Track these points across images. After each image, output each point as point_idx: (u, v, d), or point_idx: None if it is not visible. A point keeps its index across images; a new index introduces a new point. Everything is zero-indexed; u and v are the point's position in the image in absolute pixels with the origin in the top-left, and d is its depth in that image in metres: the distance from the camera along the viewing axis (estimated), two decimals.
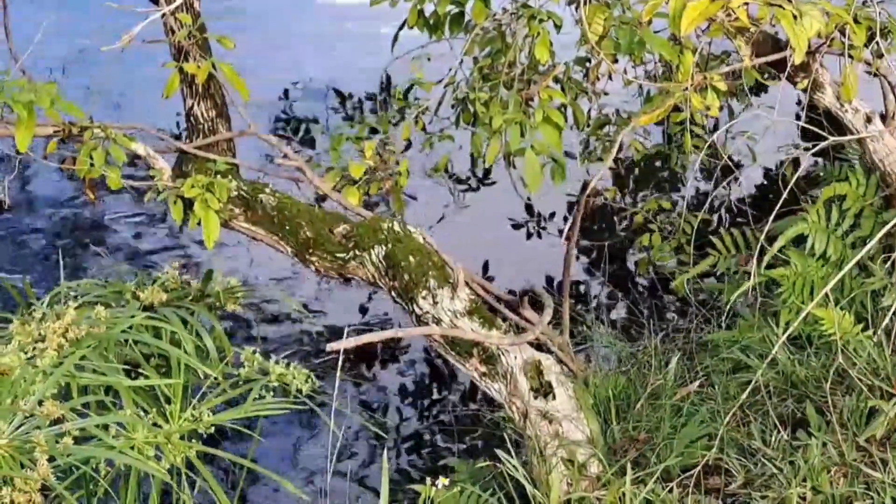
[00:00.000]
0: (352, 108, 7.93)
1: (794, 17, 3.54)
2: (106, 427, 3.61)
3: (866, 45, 4.49)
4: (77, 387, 3.84)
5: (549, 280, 5.86)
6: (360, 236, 4.48)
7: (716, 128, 6.11)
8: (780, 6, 3.52)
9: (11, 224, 6.66)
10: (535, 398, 4.21)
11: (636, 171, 6.91)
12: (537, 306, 4.71)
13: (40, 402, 3.43)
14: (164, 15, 4.45)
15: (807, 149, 4.44)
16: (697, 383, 4.48)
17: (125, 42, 3.99)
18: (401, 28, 5.97)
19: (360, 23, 8.91)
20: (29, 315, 4.26)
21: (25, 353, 3.77)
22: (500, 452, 4.09)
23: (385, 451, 4.09)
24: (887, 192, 4.84)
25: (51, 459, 3.27)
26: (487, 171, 7.04)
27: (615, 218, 6.34)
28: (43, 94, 4.19)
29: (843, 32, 4.39)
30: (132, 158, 4.64)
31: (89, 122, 4.46)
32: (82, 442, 3.49)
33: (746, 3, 3.57)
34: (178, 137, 5.74)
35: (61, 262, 5.05)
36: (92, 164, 4.40)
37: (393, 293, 4.43)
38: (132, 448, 3.63)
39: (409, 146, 6.42)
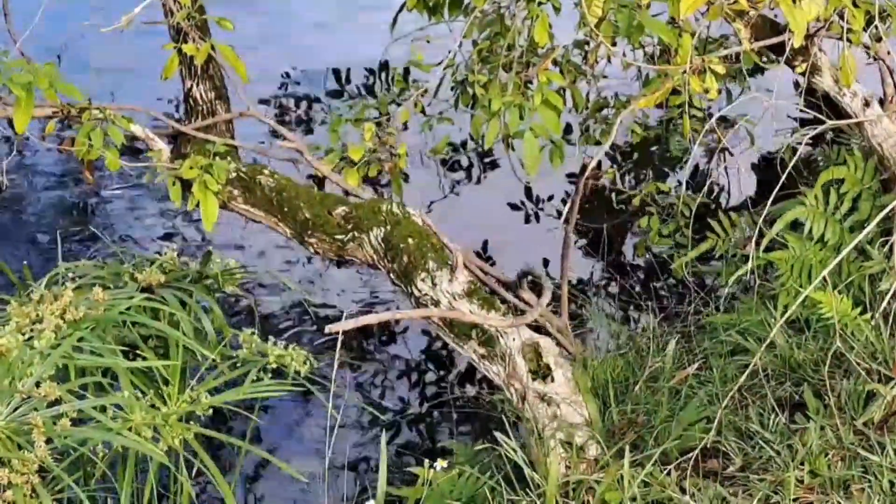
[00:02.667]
0: (351, 90, 7.91)
1: (793, 0, 3.53)
2: (104, 409, 3.61)
3: (865, 29, 4.48)
4: (75, 368, 3.85)
5: (548, 262, 5.86)
6: (359, 218, 4.48)
7: (712, 111, 6.11)
8: None
9: (9, 205, 6.65)
10: (534, 380, 4.21)
11: (635, 153, 6.90)
12: (536, 289, 4.71)
13: (38, 384, 3.43)
14: None
15: (808, 132, 4.43)
16: (696, 366, 4.49)
17: (125, 23, 3.99)
18: (400, 10, 5.96)
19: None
20: (27, 296, 4.26)
21: (23, 334, 3.77)
22: (498, 435, 4.09)
23: (383, 433, 4.10)
24: (885, 176, 4.84)
25: (48, 441, 3.28)
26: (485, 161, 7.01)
27: (614, 201, 6.33)
28: (42, 75, 4.19)
29: (841, 16, 4.38)
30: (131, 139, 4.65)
31: (88, 104, 4.45)
32: (80, 423, 3.50)
33: None
34: (174, 118, 5.74)
35: (59, 244, 5.05)
36: (90, 146, 4.40)
37: (392, 275, 4.43)
38: (130, 430, 3.63)
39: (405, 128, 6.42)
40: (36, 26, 4.57)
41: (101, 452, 3.67)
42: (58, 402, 3.40)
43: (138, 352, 4.24)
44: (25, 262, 5.06)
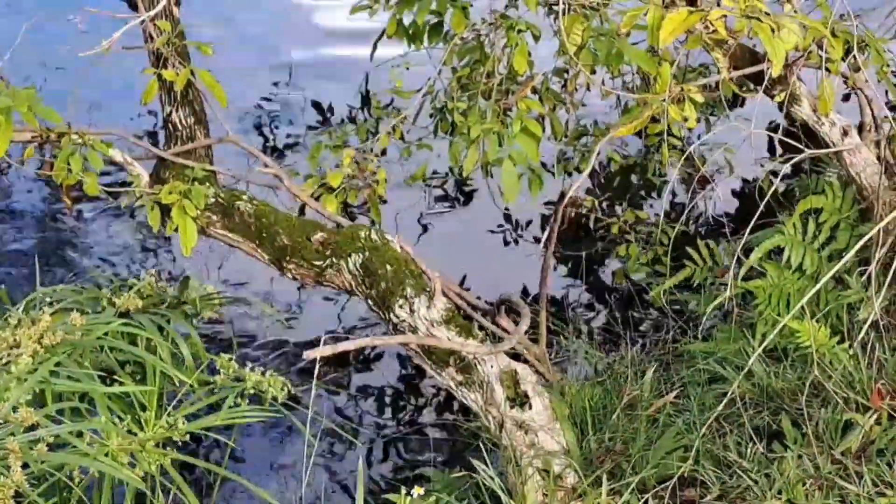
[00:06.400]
0: (330, 116, 7.91)
1: (772, 30, 3.55)
2: (80, 434, 3.60)
3: (843, 59, 4.51)
4: (52, 393, 3.83)
5: (526, 290, 5.86)
6: (338, 244, 4.48)
7: (693, 140, 6.14)
8: (759, 19, 3.54)
9: None
10: (512, 408, 4.21)
11: (613, 181, 6.92)
12: (514, 316, 4.71)
13: (15, 409, 3.41)
14: (143, 21, 4.44)
15: (784, 161, 4.45)
16: (673, 394, 4.49)
17: (105, 48, 3.99)
18: (380, 37, 5.98)
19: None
20: (4, 321, 4.24)
21: (0, 359, 3.75)
22: (475, 462, 4.08)
23: (360, 460, 4.08)
24: (864, 206, 4.86)
25: (25, 466, 3.26)
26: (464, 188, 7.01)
27: (592, 228, 6.34)
28: (21, 99, 4.18)
29: (820, 46, 4.41)
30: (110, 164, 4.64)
31: (67, 128, 4.44)
32: (57, 448, 3.48)
33: (725, 16, 3.58)
34: (155, 143, 5.74)
35: (37, 268, 5.03)
36: (69, 171, 4.39)
37: (370, 301, 4.43)
38: (106, 455, 3.62)
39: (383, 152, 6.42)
40: (15, 51, 4.56)
41: (77, 478, 3.64)
42: (34, 426, 3.39)
43: (116, 377, 4.22)
44: (3, 286, 5.04)
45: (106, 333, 4.21)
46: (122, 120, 7.21)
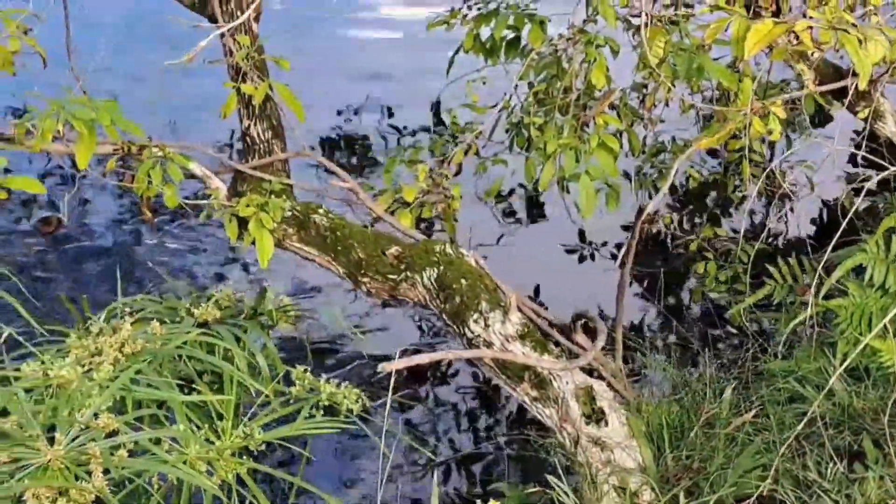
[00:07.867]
0: (406, 131, 7.94)
1: (859, 41, 3.51)
2: (159, 441, 3.61)
3: None
4: (132, 401, 3.85)
5: (603, 306, 5.83)
6: (412, 258, 4.48)
7: (772, 157, 6.08)
8: (845, 30, 3.50)
9: (70, 240, 6.71)
10: (587, 424, 4.18)
11: (692, 198, 6.87)
12: (590, 332, 4.68)
13: (96, 415, 3.44)
14: (223, 36, 4.49)
15: (867, 179, 4.39)
16: (752, 413, 4.43)
17: (187, 60, 4.03)
18: (456, 52, 5.99)
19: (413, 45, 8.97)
20: (86, 330, 4.28)
21: (82, 366, 3.79)
22: (550, 478, 4.06)
23: (434, 474, 4.07)
24: None
25: (105, 472, 3.28)
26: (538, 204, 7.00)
27: (670, 245, 6.30)
28: (103, 112, 4.23)
29: None
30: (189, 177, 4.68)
31: (148, 141, 4.49)
32: (136, 455, 3.50)
33: (811, 28, 3.55)
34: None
35: (118, 278, 5.08)
36: (150, 183, 4.43)
37: (444, 316, 4.42)
38: (185, 462, 3.63)
39: (459, 171, 6.43)
40: (98, 63, 4.62)
41: (156, 484, 3.67)
42: (115, 433, 3.41)
43: (193, 386, 4.24)
44: (85, 296, 5.09)
45: (185, 343, 4.24)
46: (201, 133, 7.29)
